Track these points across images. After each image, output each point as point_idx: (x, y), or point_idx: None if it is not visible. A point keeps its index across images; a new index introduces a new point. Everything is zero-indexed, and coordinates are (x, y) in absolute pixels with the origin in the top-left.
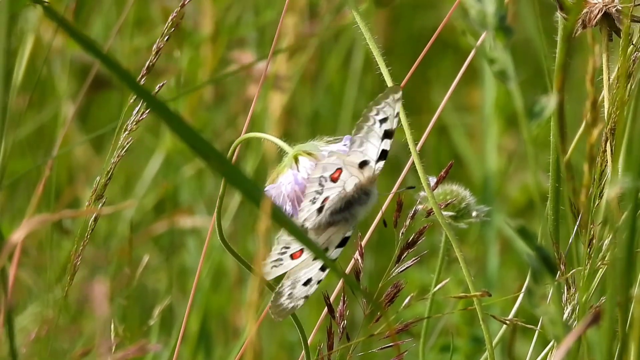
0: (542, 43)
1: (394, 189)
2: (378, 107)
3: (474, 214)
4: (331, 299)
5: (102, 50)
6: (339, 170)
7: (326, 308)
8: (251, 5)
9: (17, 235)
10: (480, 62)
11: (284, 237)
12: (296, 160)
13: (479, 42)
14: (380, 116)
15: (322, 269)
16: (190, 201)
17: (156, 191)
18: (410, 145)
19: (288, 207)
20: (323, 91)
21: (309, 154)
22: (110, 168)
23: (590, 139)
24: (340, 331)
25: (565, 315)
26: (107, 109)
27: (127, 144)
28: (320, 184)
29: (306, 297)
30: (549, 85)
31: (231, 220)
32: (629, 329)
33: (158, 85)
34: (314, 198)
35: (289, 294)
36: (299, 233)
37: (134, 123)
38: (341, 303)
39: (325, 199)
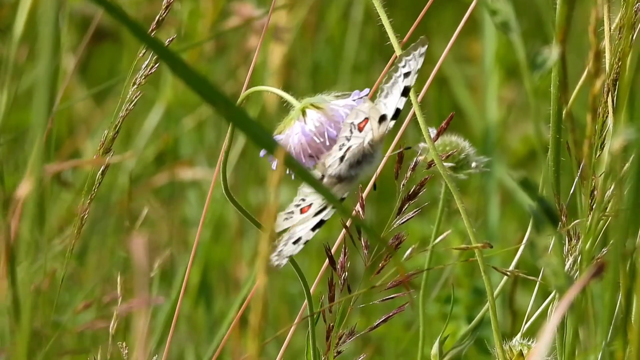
0: None
1: (390, 150)
2: (407, 57)
3: (473, 164)
4: (332, 251)
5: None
6: (366, 119)
7: (327, 259)
8: None
9: (23, 189)
10: (481, 13)
11: (303, 189)
12: (303, 113)
13: None
14: (406, 69)
15: (313, 229)
16: (191, 153)
17: (157, 143)
18: (412, 97)
19: (299, 157)
20: (323, 43)
21: (317, 107)
22: (118, 122)
23: (592, 90)
24: (341, 283)
25: (566, 267)
26: (107, 60)
27: (136, 97)
28: (351, 131)
29: (290, 256)
30: (550, 37)
31: (231, 172)
32: (633, 280)
33: (168, 39)
34: (342, 144)
35: (278, 251)
36: (308, 177)
37: (143, 77)
38: (342, 255)
39: (349, 148)
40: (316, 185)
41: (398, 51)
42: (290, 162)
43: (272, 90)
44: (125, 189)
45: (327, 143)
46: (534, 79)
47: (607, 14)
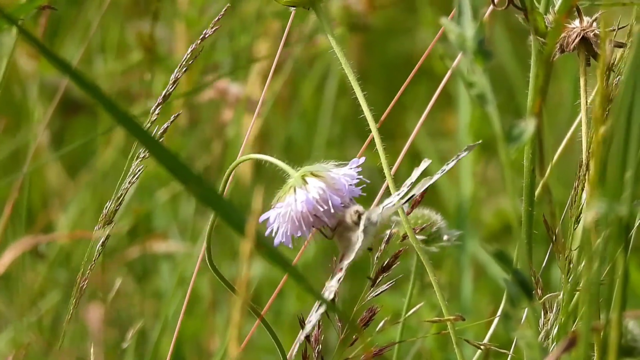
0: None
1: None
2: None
3: (445, 237)
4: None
5: (77, 72)
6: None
7: (301, 331)
8: (226, 31)
9: (7, 257)
10: (455, 88)
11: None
12: (304, 181)
13: (454, 64)
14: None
15: None
16: (164, 226)
17: (130, 216)
18: (385, 170)
19: (292, 226)
20: (297, 117)
21: (317, 175)
22: (122, 194)
23: (597, 136)
24: (315, 355)
25: (540, 339)
26: (81, 134)
27: (140, 171)
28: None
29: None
30: (524, 110)
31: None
32: (605, 354)
33: (169, 121)
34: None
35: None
36: (277, 256)
37: (147, 152)
38: (316, 327)
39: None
40: (285, 265)
41: (372, 125)
42: (260, 240)
43: (267, 158)
44: (99, 262)
45: (332, 211)
46: (509, 151)
47: (584, 88)
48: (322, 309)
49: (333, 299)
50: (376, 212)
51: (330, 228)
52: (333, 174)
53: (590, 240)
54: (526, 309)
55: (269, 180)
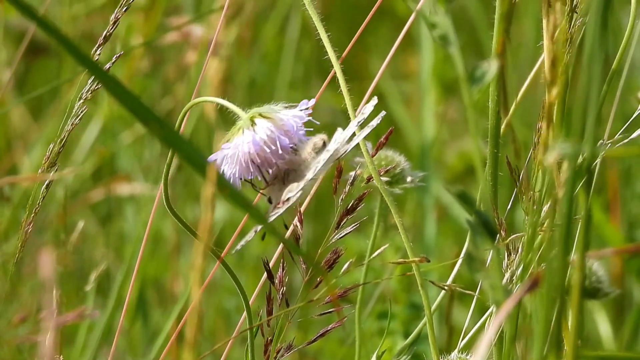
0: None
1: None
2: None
3: (408, 179)
4: (270, 265)
5: (40, 15)
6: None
7: (265, 274)
8: None
9: None
10: (418, 29)
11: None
12: (252, 122)
13: (418, 6)
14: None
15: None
16: (128, 168)
17: (94, 158)
18: (350, 112)
19: (240, 168)
20: (259, 58)
21: (266, 116)
22: (64, 136)
23: (549, 97)
24: (279, 297)
25: (505, 281)
26: (45, 76)
27: (82, 112)
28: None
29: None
30: (488, 52)
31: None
32: (567, 294)
33: (115, 56)
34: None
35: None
36: (238, 197)
37: (89, 92)
38: (280, 269)
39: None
40: (247, 207)
41: (336, 66)
42: (221, 182)
43: (218, 101)
44: (62, 203)
45: (280, 152)
46: (472, 92)
47: (546, 28)
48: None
49: (297, 240)
50: (333, 140)
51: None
52: (282, 115)
53: (553, 182)
54: (490, 251)
55: (233, 122)
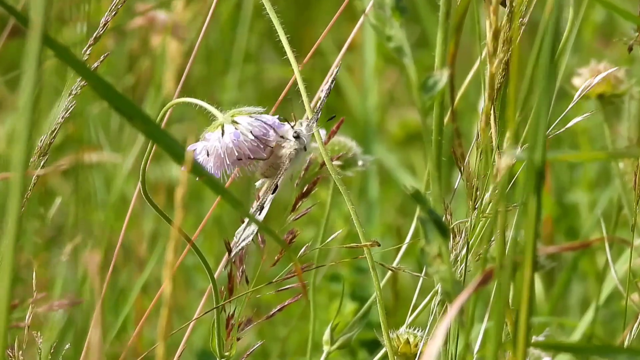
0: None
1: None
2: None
3: (360, 162)
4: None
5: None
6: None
7: (227, 253)
8: None
9: None
10: (358, 6)
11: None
12: (233, 121)
13: (367, 10)
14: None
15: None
16: (96, 138)
17: (63, 128)
18: (305, 101)
19: (217, 161)
20: (216, 33)
21: (246, 114)
22: (55, 129)
23: (490, 69)
24: (239, 275)
25: (451, 259)
26: (18, 54)
27: (72, 107)
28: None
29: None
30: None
31: (136, 156)
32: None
33: (102, 56)
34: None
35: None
36: (216, 186)
37: (79, 88)
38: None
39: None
40: (222, 192)
41: (286, 44)
42: (199, 170)
43: (198, 102)
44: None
45: (260, 145)
46: (425, 101)
47: (488, 30)
48: (251, 229)
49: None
50: (304, 126)
51: (262, 163)
52: (261, 115)
53: (505, 185)
54: (443, 246)
55: (193, 94)
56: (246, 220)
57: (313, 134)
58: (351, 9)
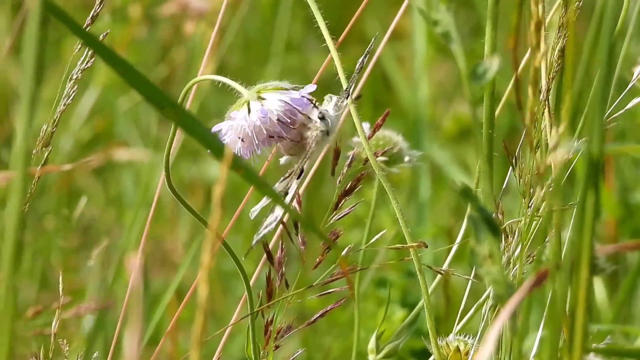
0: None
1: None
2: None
3: (406, 158)
4: (270, 247)
5: None
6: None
7: (265, 255)
8: None
9: None
10: None
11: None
12: (260, 97)
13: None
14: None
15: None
16: (126, 134)
17: (92, 125)
18: (341, 76)
19: (246, 141)
20: (255, 20)
21: (272, 91)
22: (57, 117)
23: (534, 62)
24: (278, 278)
25: (503, 261)
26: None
27: (73, 92)
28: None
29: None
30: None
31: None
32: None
33: (102, 34)
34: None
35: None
36: (253, 177)
37: (79, 72)
38: (279, 251)
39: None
40: (262, 186)
41: (324, 30)
42: (236, 163)
43: (220, 79)
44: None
45: (291, 123)
46: (474, 89)
47: (542, 15)
48: (274, 215)
49: (295, 224)
50: (331, 106)
51: (288, 142)
52: (290, 92)
53: (560, 179)
54: (495, 247)
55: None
56: (277, 209)
57: (344, 116)
58: None
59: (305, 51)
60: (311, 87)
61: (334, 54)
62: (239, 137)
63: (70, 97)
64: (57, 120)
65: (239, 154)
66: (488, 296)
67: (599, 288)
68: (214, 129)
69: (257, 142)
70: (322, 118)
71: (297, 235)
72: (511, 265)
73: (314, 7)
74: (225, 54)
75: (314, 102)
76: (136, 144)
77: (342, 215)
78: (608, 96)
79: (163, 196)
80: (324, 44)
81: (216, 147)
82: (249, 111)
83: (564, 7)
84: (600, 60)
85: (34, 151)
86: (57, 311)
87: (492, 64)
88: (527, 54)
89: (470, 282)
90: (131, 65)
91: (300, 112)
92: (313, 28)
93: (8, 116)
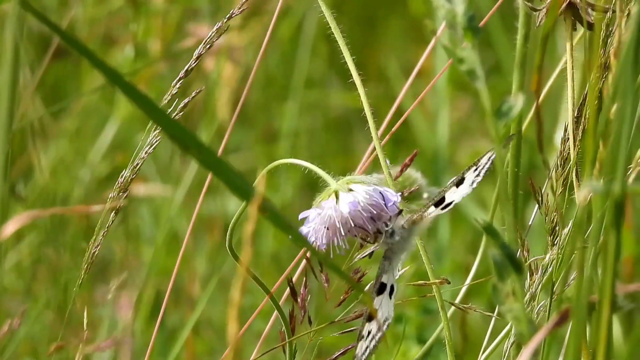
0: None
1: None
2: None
3: (425, 195)
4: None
5: (58, 25)
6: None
7: (288, 291)
8: None
9: (9, 229)
10: (429, 26)
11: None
12: (348, 188)
13: (439, 33)
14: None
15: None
16: (144, 169)
17: (111, 158)
18: (373, 134)
19: (331, 230)
20: (276, 57)
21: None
22: (137, 164)
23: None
24: (301, 315)
25: (526, 301)
26: (64, 76)
27: (156, 141)
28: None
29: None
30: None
31: (187, 189)
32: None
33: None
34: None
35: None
36: (279, 220)
37: (152, 145)
38: (303, 288)
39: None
40: (288, 229)
41: (352, 68)
42: (272, 213)
43: (305, 164)
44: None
45: (376, 214)
46: (499, 127)
47: (570, 53)
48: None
49: (321, 265)
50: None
51: (370, 235)
52: (374, 185)
53: (583, 218)
54: (517, 283)
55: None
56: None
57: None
58: (419, 30)
59: (324, 87)
60: (396, 196)
61: (360, 90)
62: (325, 227)
63: (153, 146)
64: (137, 168)
65: (319, 242)
66: (508, 333)
67: (615, 325)
68: (301, 215)
69: (343, 232)
70: (392, 234)
71: (321, 272)
72: (535, 302)
73: (341, 43)
74: (244, 89)
75: (401, 211)
76: (154, 178)
77: (365, 254)
78: (630, 133)
79: (179, 230)
80: (345, 81)
81: (241, 188)
82: (337, 201)
83: (603, 46)
84: (621, 93)
85: (110, 195)
86: (80, 346)
87: (518, 102)
88: (546, 88)
89: (493, 319)
90: (156, 104)
91: (382, 212)
92: (332, 64)
93: (27, 151)
